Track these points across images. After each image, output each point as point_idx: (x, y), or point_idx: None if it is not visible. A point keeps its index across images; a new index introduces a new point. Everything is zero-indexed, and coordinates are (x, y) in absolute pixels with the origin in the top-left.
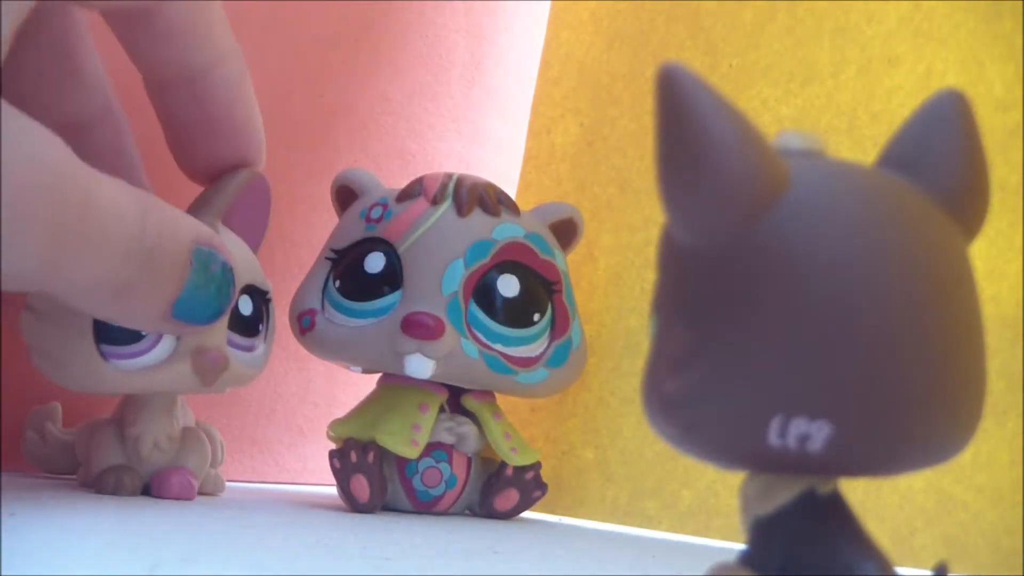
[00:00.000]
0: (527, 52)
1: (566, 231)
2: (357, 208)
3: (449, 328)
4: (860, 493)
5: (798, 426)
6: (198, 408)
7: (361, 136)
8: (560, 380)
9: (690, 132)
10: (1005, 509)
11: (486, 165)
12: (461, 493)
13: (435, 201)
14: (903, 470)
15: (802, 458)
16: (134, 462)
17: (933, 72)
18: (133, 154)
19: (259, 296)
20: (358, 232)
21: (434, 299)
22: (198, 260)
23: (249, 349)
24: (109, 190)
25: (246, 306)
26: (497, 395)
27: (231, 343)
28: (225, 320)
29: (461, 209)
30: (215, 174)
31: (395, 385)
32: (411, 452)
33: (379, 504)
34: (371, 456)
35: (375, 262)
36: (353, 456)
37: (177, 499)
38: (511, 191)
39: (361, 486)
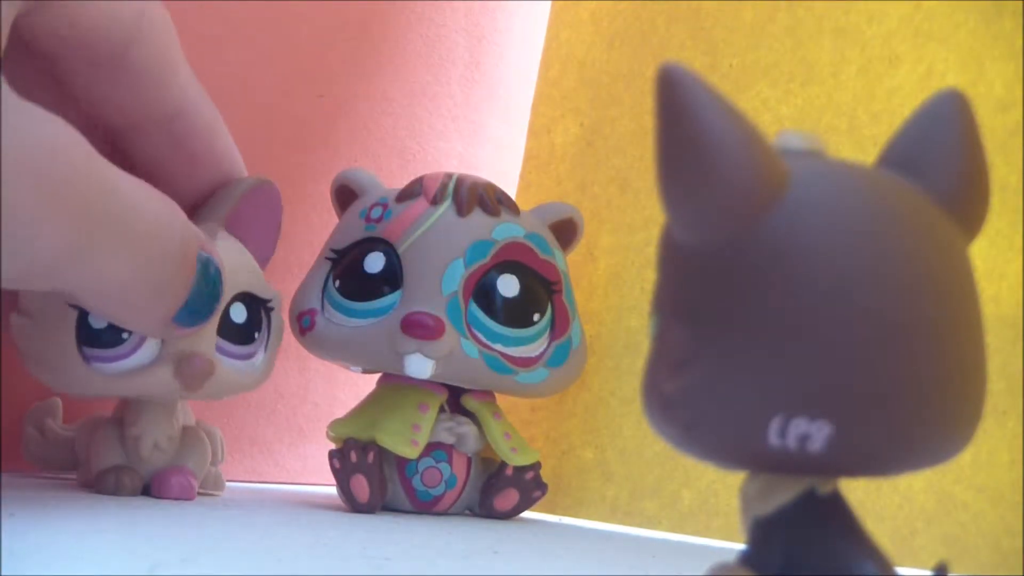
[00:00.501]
0: (527, 52)
1: (566, 231)
2: (357, 208)
3: (449, 328)
4: (860, 493)
5: (798, 426)
6: (198, 408)
7: (361, 136)
8: (560, 380)
9: (690, 132)
10: (1005, 509)
11: (486, 165)
12: (461, 493)
13: (435, 201)
14: (903, 470)
15: (802, 458)
16: (134, 462)
17: (933, 72)
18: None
19: (257, 304)
20: (358, 232)
21: (434, 299)
22: (200, 264)
23: (245, 357)
24: (140, 192)
25: (239, 314)
26: (497, 395)
27: (222, 350)
28: (213, 326)
29: (461, 209)
30: (199, 205)
31: (395, 385)
32: (411, 452)
33: (379, 504)
34: (371, 456)
35: (375, 262)
36: (353, 456)
37: (177, 499)
38: (511, 191)
39: (361, 486)
